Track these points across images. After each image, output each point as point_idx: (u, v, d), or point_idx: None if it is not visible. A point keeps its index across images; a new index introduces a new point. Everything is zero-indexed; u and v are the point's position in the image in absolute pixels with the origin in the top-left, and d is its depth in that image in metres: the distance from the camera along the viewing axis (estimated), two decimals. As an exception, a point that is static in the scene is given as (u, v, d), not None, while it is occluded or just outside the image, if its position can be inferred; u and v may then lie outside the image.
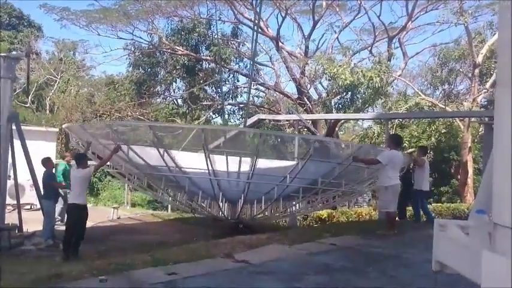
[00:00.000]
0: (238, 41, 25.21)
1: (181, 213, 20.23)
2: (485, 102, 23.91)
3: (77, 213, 8.49)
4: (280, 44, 22.88)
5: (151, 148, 9.85)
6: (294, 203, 11.92)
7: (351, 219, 18.43)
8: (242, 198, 10.26)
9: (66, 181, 11.51)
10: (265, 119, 20.27)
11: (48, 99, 31.41)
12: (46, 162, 10.66)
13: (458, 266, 3.54)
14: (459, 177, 24.14)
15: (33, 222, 10.93)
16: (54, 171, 11.44)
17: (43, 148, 16.31)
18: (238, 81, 26.47)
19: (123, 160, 10.30)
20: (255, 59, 22.25)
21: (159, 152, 9.44)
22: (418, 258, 6.30)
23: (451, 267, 3.74)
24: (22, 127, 10.93)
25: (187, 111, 25.31)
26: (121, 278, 5.06)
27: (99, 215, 14.90)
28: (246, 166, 9.88)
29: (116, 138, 9.64)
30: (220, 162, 9.99)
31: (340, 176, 9.92)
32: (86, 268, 5.55)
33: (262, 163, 10.20)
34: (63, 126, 12.67)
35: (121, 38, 25.06)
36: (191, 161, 10.04)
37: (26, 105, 29.94)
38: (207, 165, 9.25)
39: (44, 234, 10.09)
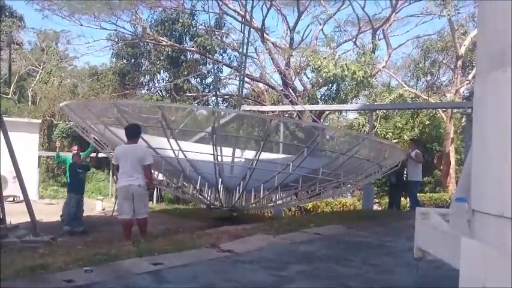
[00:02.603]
0: (223, 31, 25.11)
1: (167, 204, 20.24)
2: (468, 94, 24.21)
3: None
4: (265, 35, 22.85)
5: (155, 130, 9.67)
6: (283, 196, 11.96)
7: (335, 209, 18.61)
8: (241, 185, 10.14)
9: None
10: (249, 110, 20.26)
11: (30, 90, 30.96)
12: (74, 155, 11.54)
13: (438, 252, 3.62)
14: (442, 167, 24.46)
15: (17, 214, 10.81)
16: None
17: (26, 139, 16.12)
18: (221, 72, 26.41)
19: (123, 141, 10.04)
20: (239, 49, 22.23)
21: (165, 133, 9.09)
22: (401, 246, 6.41)
23: (432, 254, 3.83)
24: (4, 118, 10.78)
25: (171, 102, 25.20)
26: (106, 268, 5.06)
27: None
28: (246, 156, 9.95)
29: (120, 117, 9.21)
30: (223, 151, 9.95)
31: (340, 168, 9.94)
32: (70, 259, 5.53)
33: (264, 155, 10.17)
34: (61, 105, 12.26)
35: (104, 29, 24.76)
36: (192, 147, 10.00)
37: (8, 97, 29.44)
38: (213, 149, 9.11)
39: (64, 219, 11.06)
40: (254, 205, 11.46)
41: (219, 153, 9.47)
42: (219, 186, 10.40)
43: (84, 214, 12.05)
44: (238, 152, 11.01)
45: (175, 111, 11.08)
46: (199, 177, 10.26)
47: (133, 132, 7.64)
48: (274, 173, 9.78)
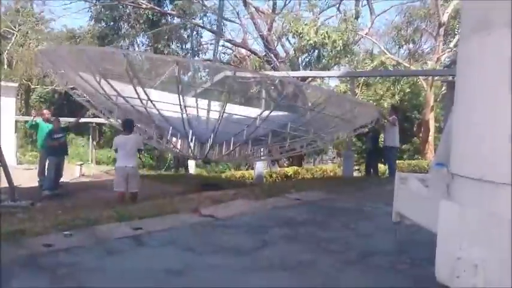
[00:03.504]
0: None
1: (147, 170, 20.19)
2: (449, 62, 24.32)
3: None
4: (247, -1, 22.43)
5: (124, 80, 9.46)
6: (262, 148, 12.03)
7: (316, 176, 18.81)
8: (211, 137, 10.26)
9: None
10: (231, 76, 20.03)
11: (5, 53, 30.09)
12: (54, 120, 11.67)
13: (417, 216, 3.68)
14: (421, 135, 24.78)
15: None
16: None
17: (2, 103, 15.74)
18: (201, 37, 26.02)
19: (95, 90, 9.94)
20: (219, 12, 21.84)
21: (132, 82, 9.03)
22: (380, 211, 6.50)
23: (410, 218, 3.90)
24: (-22, 82, 10.50)
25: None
26: (86, 232, 5.03)
27: (63, 173, 14.67)
28: (217, 109, 9.90)
29: (89, 65, 9.15)
30: (192, 103, 9.92)
31: (309, 124, 9.98)
32: (50, 224, 5.49)
33: (234, 108, 10.25)
34: (37, 50, 12.24)
35: (82, -11, 24.01)
36: (162, 98, 9.85)
37: (-18, 60, 28.69)
38: (179, 101, 9.17)
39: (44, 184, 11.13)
40: (225, 157, 11.56)
41: (186, 104, 9.52)
42: (190, 137, 10.44)
43: (64, 179, 11.97)
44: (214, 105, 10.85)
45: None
46: (170, 127, 10.39)
47: (129, 126, 9.37)
48: (244, 126, 9.82)
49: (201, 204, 6.93)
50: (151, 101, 9.55)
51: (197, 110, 9.93)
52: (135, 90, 9.17)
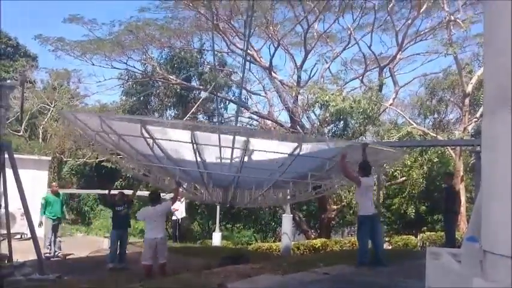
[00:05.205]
0: (230, 70, 25.58)
1: (172, 243, 20.07)
2: (475, 132, 24.17)
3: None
4: (272, 73, 23.18)
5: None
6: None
7: (344, 248, 18.35)
8: (232, 188, 10.26)
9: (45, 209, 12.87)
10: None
11: (41, 127, 31.37)
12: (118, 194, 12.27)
13: (450, 293, 3.55)
14: (452, 206, 24.14)
15: (24, 252, 10.79)
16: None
17: (35, 176, 16.22)
18: (226, 109, 27.02)
19: (114, 146, 10.19)
20: (248, 88, 22.57)
21: (147, 142, 9.07)
22: (411, 286, 6.28)
23: (444, 295, 3.75)
24: (15, 155, 10.89)
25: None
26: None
27: (90, 245, 14.75)
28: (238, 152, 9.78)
29: (108, 130, 9.32)
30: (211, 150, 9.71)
31: (330, 171, 9.74)
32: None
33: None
34: (59, 112, 12.79)
35: (115, 68, 25.30)
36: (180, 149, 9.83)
37: (19, 134, 29.85)
38: (195, 157, 9.12)
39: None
40: (248, 203, 11.61)
41: (202, 160, 9.49)
42: (210, 186, 10.47)
43: (92, 252, 12.03)
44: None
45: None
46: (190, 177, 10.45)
47: (155, 199, 9.80)
48: (265, 174, 9.80)
49: (227, 278, 6.84)
50: (169, 158, 9.64)
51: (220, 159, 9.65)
52: (151, 150, 9.23)
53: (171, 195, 10.90)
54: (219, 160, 9.56)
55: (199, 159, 9.33)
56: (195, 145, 8.95)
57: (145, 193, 20.02)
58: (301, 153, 8.86)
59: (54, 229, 13.12)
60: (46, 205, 13.15)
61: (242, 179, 9.90)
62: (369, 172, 9.02)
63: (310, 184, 10.05)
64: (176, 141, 9.54)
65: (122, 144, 9.76)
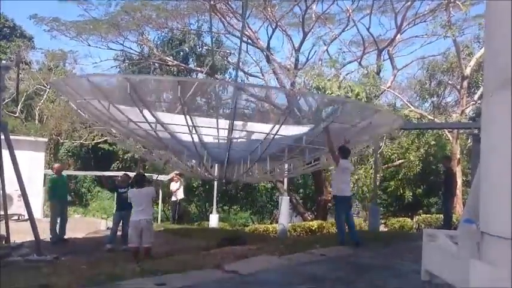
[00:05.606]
0: (227, 51, 25.37)
1: (170, 224, 20.15)
2: (474, 114, 24.17)
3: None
4: (270, 55, 23.00)
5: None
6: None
7: (341, 230, 18.43)
8: (226, 156, 9.97)
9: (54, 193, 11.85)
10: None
11: (37, 109, 31.21)
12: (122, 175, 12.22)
13: (447, 275, 3.56)
14: (448, 188, 24.24)
15: (21, 233, 10.80)
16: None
17: (32, 158, 16.18)
18: (226, 91, 26.65)
19: (107, 117, 9.60)
20: (244, 69, 22.41)
21: (138, 107, 8.64)
22: (408, 268, 6.32)
23: (440, 276, 3.77)
24: (11, 137, 10.83)
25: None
26: (110, 288, 5.02)
27: (88, 226, 14.78)
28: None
29: (96, 92, 8.82)
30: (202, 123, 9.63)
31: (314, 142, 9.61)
32: (74, 279, 5.49)
33: (246, 125, 10.14)
34: (50, 81, 12.39)
35: (111, 49, 25.02)
36: (171, 120, 9.55)
37: (15, 115, 29.71)
38: (186, 120, 8.70)
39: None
40: (244, 176, 11.26)
41: (192, 124, 9.11)
42: (205, 159, 10.18)
43: (90, 233, 12.06)
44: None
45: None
46: (185, 150, 10.15)
47: (140, 181, 9.69)
48: (257, 143, 9.52)
49: (225, 259, 6.87)
50: (161, 125, 9.22)
51: (217, 130, 9.51)
52: (143, 115, 8.76)
53: (170, 176, 10.83)
54: (211, 127, 9.51)
55: (190, 123, 8.93)
56: (185, 107, 8.67)
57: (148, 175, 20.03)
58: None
59: (62, 212, 12.28)
60: (52, 188, 12.69)
61: (235, 148, 9.77)
62: (347, 155, 9.73)
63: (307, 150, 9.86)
64: (166, 103, 9.51)
65: (114, 112, 9.17)
